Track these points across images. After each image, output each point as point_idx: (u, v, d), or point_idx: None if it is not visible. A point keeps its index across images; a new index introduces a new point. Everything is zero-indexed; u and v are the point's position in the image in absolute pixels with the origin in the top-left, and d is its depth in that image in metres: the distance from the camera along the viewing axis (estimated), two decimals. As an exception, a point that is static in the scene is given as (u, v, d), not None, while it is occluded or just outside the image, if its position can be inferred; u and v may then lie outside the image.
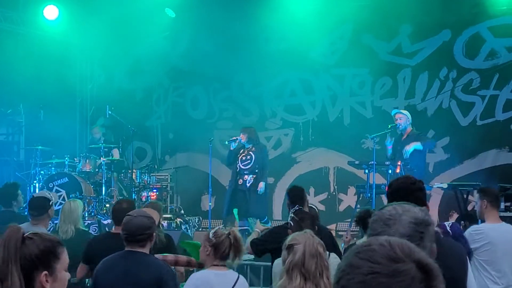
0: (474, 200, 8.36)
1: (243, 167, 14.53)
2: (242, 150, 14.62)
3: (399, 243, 1.95)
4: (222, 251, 6.01)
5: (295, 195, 8.41)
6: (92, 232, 11.63)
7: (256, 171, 14.48)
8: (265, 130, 17.34)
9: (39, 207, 8.26)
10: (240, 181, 14.56)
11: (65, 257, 3.40)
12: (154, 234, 5.96)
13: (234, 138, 14.60)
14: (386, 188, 12.22)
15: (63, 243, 3.46)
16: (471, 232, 7.80)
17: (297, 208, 7.51)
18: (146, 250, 5.86)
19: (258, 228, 8.61)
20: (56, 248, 3.37)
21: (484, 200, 7.96)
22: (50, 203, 8.45)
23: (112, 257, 6.01)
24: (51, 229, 10.31)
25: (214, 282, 5.86)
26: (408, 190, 4.86)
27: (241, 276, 6.13)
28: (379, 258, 1.90)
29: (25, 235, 3.35)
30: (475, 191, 8.41)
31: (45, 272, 3.27)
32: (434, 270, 1.92)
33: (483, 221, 8.06)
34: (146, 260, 5.85)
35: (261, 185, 14.37)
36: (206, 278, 5.95)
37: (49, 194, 8.90)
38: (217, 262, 6.02)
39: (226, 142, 14.81)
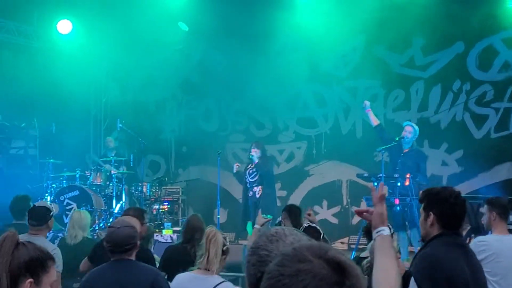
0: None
1: (251, 180, 14.65)
2: (250, 165, 14.74)
3: (311, 245, 1.97)
4: (201, 254, 6.05)
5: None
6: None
7: (261, 182, 14.59)
8: (278, 143, 17.36)
9: (40, 217, 7.94)
10: (250, 193, 14.76)
11: (53, 273, 3.42)
12: (138, 242, 5.95)
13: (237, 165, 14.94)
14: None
15: (54, 260, 3.48)
16: (477, 243, 7.68)
17: (306, 225, 7.36)
18: (133, 257, 5.86)
19: (258, 222, 8.18)
20: (47, 260, 3.39)
21: (493, 212, 7.88)
22: (51, 214, 8.14)
23: (101, 267, 6.00)
24: (59, 238, 10.31)
25: (188, 285, 5.86)
26: (461, 200, 5.04)
27: (226, 283, 6.04)
28: (286, 261, 1.93)
29: (19, 241, 3.39)
30: (486, 202, 8.32)
31: (31, 279, 3.29)
32: (347, 267, 1.89)
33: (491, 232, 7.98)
34: (137, 266, 5.88)
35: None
36: (181, 280, 6.00)
37: (51, 205, 8.69)
38: (203, 266, 6.02)
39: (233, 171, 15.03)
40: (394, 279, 3.32)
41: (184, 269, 6.39)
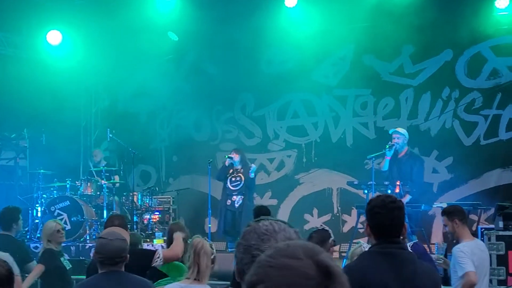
0: (444, 223, 8.21)
1: (232, 188, 14.62)
2: (231, 171, 14.72)
3: (305, 245, 1.97)
4: (189, 265, 6.03)
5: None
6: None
7: (244, 192, 14.55)
8: (268, 152, 17.40)
9: None
10: (229, 202, 14.70)
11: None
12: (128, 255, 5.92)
13: (231, 155, 14.70)
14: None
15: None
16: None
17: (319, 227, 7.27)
18: (122, 269, 5.84)
19: None
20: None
21: (455, 219, 7.88)
22: None
23: (91, 279, 5.94)
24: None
25: None
26: (387, 208, 4.82)
27: None
28: (277, 254, 1.94)
29: None
30: (442, 214, 8.28)
31: None
32: (335, 273, 1.89)
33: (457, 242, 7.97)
34: (128, 278, 5.83)
35: (252, 166, 14.76)
36: None
37: None
38: (193, 277, 6.00)
39: (226, 156, 14.90)
40: None
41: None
